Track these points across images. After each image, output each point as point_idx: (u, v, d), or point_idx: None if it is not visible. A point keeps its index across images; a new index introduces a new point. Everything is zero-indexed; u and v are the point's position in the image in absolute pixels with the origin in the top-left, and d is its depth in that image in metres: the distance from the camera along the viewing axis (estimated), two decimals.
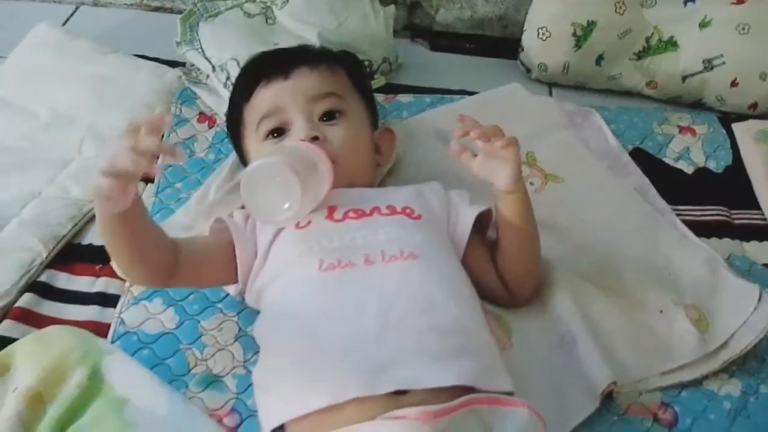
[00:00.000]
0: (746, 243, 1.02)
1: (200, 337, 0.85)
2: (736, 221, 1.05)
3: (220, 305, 0.88)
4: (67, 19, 1.45)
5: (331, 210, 0.80)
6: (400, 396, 0.63)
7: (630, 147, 1.15)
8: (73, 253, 0.96)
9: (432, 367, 0.65)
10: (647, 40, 1.25)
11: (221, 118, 1.13)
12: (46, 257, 0.93)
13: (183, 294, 0.89)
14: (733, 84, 1.22)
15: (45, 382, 0.70)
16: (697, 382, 0.82)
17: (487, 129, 0.77)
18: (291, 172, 0.74)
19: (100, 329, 0.85)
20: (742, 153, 1.15)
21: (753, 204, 1.08)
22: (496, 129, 0.77)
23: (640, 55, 1.26)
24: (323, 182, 0.80)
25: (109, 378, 0.72)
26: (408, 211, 0.82)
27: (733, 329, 0.85)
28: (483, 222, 0.87)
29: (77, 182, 1.02)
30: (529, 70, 1.33)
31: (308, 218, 0.80)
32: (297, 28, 1.21)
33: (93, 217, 0.98)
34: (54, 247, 0.94)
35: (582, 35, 1.24)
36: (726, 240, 1.01)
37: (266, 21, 1.23)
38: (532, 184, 1.03)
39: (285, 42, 1.13)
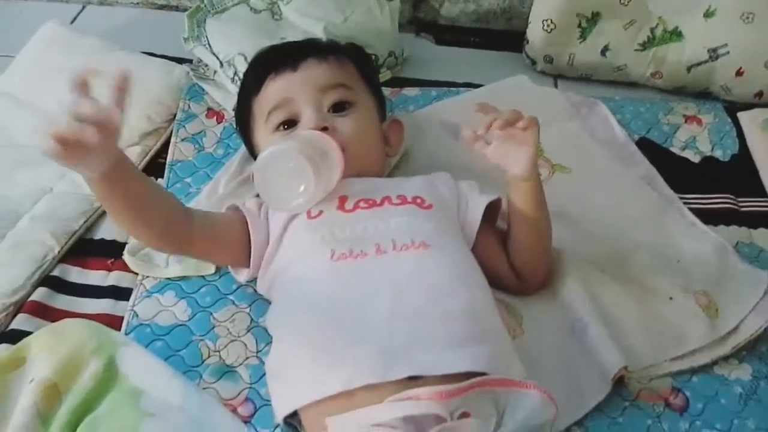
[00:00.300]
0: (754, 230, 1.02)
1: (213, 328, 0.86)
2: (743, 209, 1.05)
3: (231, 297, 0.89)
4: (74, 18, 1.46)
5: (342, 200, 0.81)
6: (412, 382, 0.64)
7: (636, 137, 1.15)
8: (86, 248, 0.97)
9: (445, 353, 0.66)
10: (652, 30, 1.25)
11: (229, 114, 1.14)
12: (59, 252, 0.94)
13: (195, 287, 0.90)
14: (739, 73, 1.22)
15: (61, 374, 0.70)
16: (707, 368, 0.83)
17: (509, 116, 0.76)
18: (304, 159, 0.75)
19: (113, 322, 0.86)
20: (749, 141, 1.15)
21: (760, 192, 1.08)
22: (516, 113, 0.77)
23: (645, 46, 1.26)
24: (335, 170, 0.80)
25: (123, 369, 0.72)
26: (419, 200, 0.82)
27: (743, 315, 0.85)
28: (492, 211, 0.87)
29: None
30: (534, 63, 1.33)
31: (319, 208, 0.80)
32: (303, 23, 1.22)
33: (104, 212, 0.99)
34: (66, 242, 0.95)
35: (587, 27, 1.25)
36: (733, 227, 1.02)
37: (272, 16, 1.24)
38: (539, 174, 1.04)
39: (291, 37, 1.14)
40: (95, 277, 0.93)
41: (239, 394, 0.80)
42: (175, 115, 1.14)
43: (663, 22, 1.25)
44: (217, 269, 0.91)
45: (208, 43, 1.19)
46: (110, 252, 0.95)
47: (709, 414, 0.79)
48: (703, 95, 1.28)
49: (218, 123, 1.14)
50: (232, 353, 0.83)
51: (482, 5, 1.44)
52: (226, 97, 1.15)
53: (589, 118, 1.18)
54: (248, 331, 0.85)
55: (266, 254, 0.81)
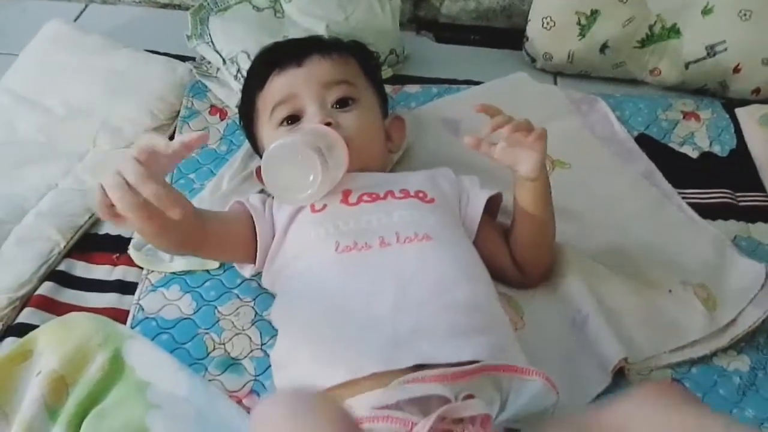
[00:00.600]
0: (752, 224, 1.03)
1: (218, 322, 0.87)
2: (741, 203, 1.06)
3: (236, 291, 0.90)
4: (78, 17, 1.46)
5: (346, 193, 0.82)
6: (417, 371, 0.65)
7: (635, 133, 1.16)
8: (91, 243, 0.98)
9: (449, 343, 0.67)
10: (650, 28, 1.26)
11: (232, 111, 1.15)
12: (64, 247, 0.95)
13: (200, 281, 0.91)
14: (736, 70, 1.23)
15: (68, 366, 0.71)
16: (706, 359, 0.84)
17: (519, 123, 0.77)
18: (312, 151, 0.76)
19: (119, 315, 0.87)
20: (746, 137, 1.16)
21: (758, 186, 1.09)
22: (527, 123, 0.78)
23: (643, 43, 1.27)
24: (340, 163, 0.81)
25: (130, 362, 0.73)
26: (421, 194, 0.83)
27: (741, 307, 0.86)
28: (493, 206, 0.88)
29: (92, 174, 1.03)
30: (534, 60, 1.34)
31: (323, 202, 0.81)
32: (305, 21, 1.23)
33: None
34: (72, 237, 0.96)
35: (586, 24, 1.26)
36: (732, 222, 1.03)
37: (275, 14, 1.24)
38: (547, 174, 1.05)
39: (294, 35, 1.15)
40: (101, 271, 0.94)
41: (244, 386, 0.80)
42: (178, 112, 1.15)
43: (661, 20, 1.26)
44: (222, 264, 0.92)
45: (211, 41, 1.20)
46: (115, 247, 0.96)
47: (708, 404, 0.79)
48: (702, 92, 1.29)
49: (221, 120, 1.15)
50: (237, 346, 0.84)
51: (482, 3, 1.45)
52: (229, 95, 1.16)
53: (588, 114, 1.19)
54: (253, 325, 0.86)
55: (271, 249, 0.82)
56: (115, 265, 0.95)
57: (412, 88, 1.23)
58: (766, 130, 1.16)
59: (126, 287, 0.92)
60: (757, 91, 1.26)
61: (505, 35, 1.42)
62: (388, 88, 1.14)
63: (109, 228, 0.99)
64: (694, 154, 1.14)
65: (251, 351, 0.84)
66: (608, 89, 1.28)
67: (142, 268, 0.93)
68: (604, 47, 1.27)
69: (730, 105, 1.23)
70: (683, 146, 1.15)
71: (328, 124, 0.85)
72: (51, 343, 0.73)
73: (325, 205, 0.81)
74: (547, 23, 1.27)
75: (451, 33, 1.45)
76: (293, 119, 0.89)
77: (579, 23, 1.26)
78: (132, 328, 0.85)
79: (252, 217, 0.83)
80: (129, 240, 0.95)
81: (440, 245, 0.77)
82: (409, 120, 1.04)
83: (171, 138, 1.08)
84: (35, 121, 1.12)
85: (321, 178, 0.77)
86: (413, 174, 0.91)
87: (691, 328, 0.84)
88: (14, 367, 0.72)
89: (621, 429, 0.51)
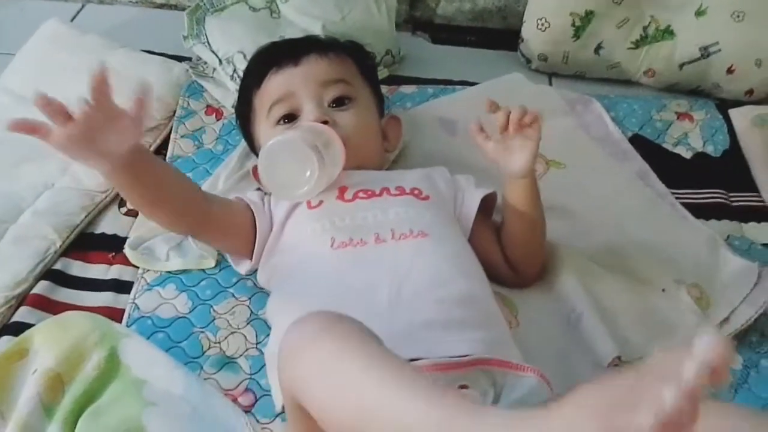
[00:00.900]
0: (745, 224, 1.04)
1: (213, 320, 0.87)
2: (734, 203, 1.07)
3: (231, 290, 0.90)
4: (74, 16, 1.47)
5: (342, 190, 0.83)
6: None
7: (629, 134, 1.17)
8: (87, 242, 0.98)
9: (444, 337, 0.67)
10: (645, 29, 1.27)
11: (228, 111, 1.15)
12: (61, 246, 0.95)
13: (195, 280, 0.91)
14: (730, 71, 1.24)
15: (64, 365, 0.72)
16: None
17: (517, 114, 0.79)
18: (309, 148, 0.77)
19: (114, 314, 0.87)
20: (740, 137, 1.17)
21: (750, 187, 1.10)
22: (522, 109, 0.79)
23: (638, 44, 1.28)
24: (337, 161, 0.82)
25: (126, 360, 0.74)
26: (416, 191, 0.84)
27: (734, 306, 0.87)
28: (488, 205, 0.89)
29: (89, 173, 1.03)
30: (529, 61, 1.35)
31: (319, 198, 0.82)
32: (301, 21, 1.23)
33: (105, 207, 1.01)
34: (68, 236, 0.96)
35: (581, 25, 1.26)
36: (725, 221, 1.03)
37: (271, 14, 1.25)
38: (535, 170, 1.05)
39: (290, 35, 1.15)
40: (96, 270, 0.94)
41: (239, 384, 0.81)
42: (174, 112, 1.15)
43: (655, 21, 1.27)
44: (217, 263, 0.93)
45: (208, 41, 1.20)
46: (111, 246, 0.96)
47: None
48: (695, 93, 1.30)
49: (217, 120, 1.15)
50: (233, 345, 0.84)
51: (478, 4, 1.45)
52: (225, 95, 1.17)
53: (583, 115, 1.20)
54: (248, 323, 0.87)
55: (268, 243, 0.82)
56: (111, 264, 0.95)
57: (407, 89, 1.24)
58: (759, 130, 1.17)
59: (122, 286, 0.92)
60: (750, 92, 1.26)
61: (501, 36, 1.43)
62: (383, 89, 1.15)
63: (105, 227, 0.99)
64: (688, 155, 1.14)
65: (246, 350, 0.84)
66: (603, 90, 1.29)
67: (137, 267, 0.93)
68: (598, 48, 1.28)
69: (724, 106, 1.24)
70: (677, 147, 1.16)
71: (325, 122, 0.86)
72: (47, 341, 0.74)
73: (321, 202, 0.82)
74: (542, 24, 1.28)
75: (446, 34, 1.46)
76: (290, 118, 0.90)
77: (574, 24, 1.26)
78: (128, 326, 0.85)
79: (252, 210, 0.84)
80: (125, 239, 0.96)
81: (435, 242, 0.77)
82: (405, 120, 1.04)
83: (167, 139, 1.11)
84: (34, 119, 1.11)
85: (317, 174, 0.78)
86: (409, 172, 0.91)
87: (684, 327, 0.85)
88: (10, 366, 0.73)
89: None
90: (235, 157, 1.06)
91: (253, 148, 0.98)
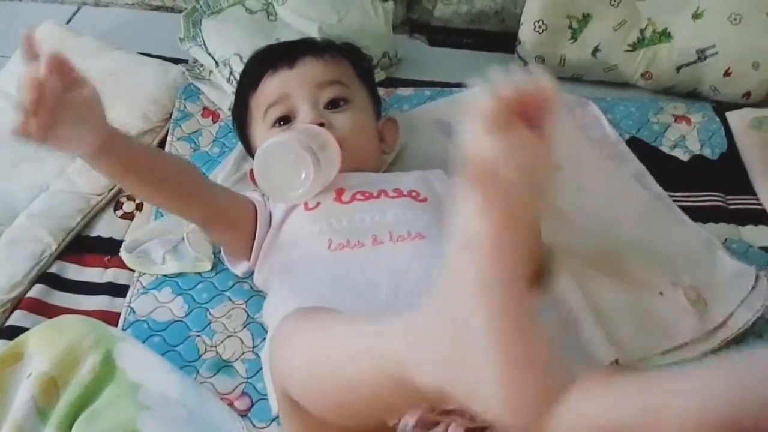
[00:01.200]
0: (742, 227, 1.04)
1: (209, 324, 0.87)
2: (732, 206, 1.07)
3: (228, 293, 0.90)
4: (70, 19, 1.46)
5: (339, 192, 0.83)
6: None
7: (627, 136, 1.17)
8: (83, 245, 0.97)
9: None
10: (641, 31, 1.27)
11: (225, 113, 1.15)
12: (56, 249, 0.94)
13: (191, 283, 0.91)
14: (727, 73, 1.24)
15: (58, 368, 0.71)
16: (697, 361, 0.84)
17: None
18: (304, 149, 0.77)
19: (110, 318, 0.87)
20: (737, 140, 1.17)
21: (748, 190, 1.10)
22: None
23: (634, 47, 1.28)
24: (333, 163, 0.82)
25: (121, 364, 0.73)
26: (414, 194, 0.84)
27: (731, 309, 0.87)
28: None
29: (85, 176, 1.03)
30: (526, 63, 1.35)
31: (317, 200, 0.82)
32: (298, 23, 1.23)
33: (101, 210, 1.01)
34: (63, 239, 0.96)
35: (578, 28, 1.26)
36: (722, 224, 1.03)
37: (267, 17, 1.24)
38: None
39: (286, 37, 1.15)
40: (92, 273, 0.94)
41: (236, 388, 0.80)
42: (171, 115, 1.15)
43: (652, 23, 1.27)
44: (214, 266, 0.92)
45: (204, 44, 1.20)
46: (107, 249, 0.96)
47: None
48: (692, 95, 1.30)
49: (214, 122, 1.15)
50: (229, 348, 0.84)
51: (475, 6, 1.45)
52: (222, 97, 1.16)
53: (580, 117, 1.19)
54: (244, 327, 0.86)
55: (265, 242, 0.83)
56: (106, 267, 0.94)
57: (404, 91, 1.24)
58: (756, 133, 1.17)
59: (117, 290, 0.91)
60: (747, 94, 1.26)
61: (498, 39, 1.43)
62: (381, 91, 1.14)
63: (101, 230, 0.99)
64: (685, 158, 1.14)
65: (243, 353, 0.84)
66: (600, 92, 1.29)
67: (133, 271, 0.93)
68: (595, 51, 1.28)
69: (721, 108, 1.23)
70: (674, 149, 1.16)
71: (321, 124, 0.86)
72: (42, 345, 0.73)
73: (318, 203, 0.82)
74: (539, 27, 1.28)
75: (443, 36, 1.45)
76: (286, 120, 0.90)
77: (571, 27, 1.26)
78: (123, 330, 0.85)
79: (255, 207, 0.84)
80: (121, 242, 0.95)
81: (433, 244, 0.77)
82: (402, 122, 1.04)
83: (163, 141, 1.10)
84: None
85: (313, 176, 0.78)
86: (406, 174, 0.91)
87: (682, 330, 0.85)
88: (5, 370, 0.72)
89: None
90: (231, 159, 1.06)
91: (250, 151, 0.98)
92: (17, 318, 0.87)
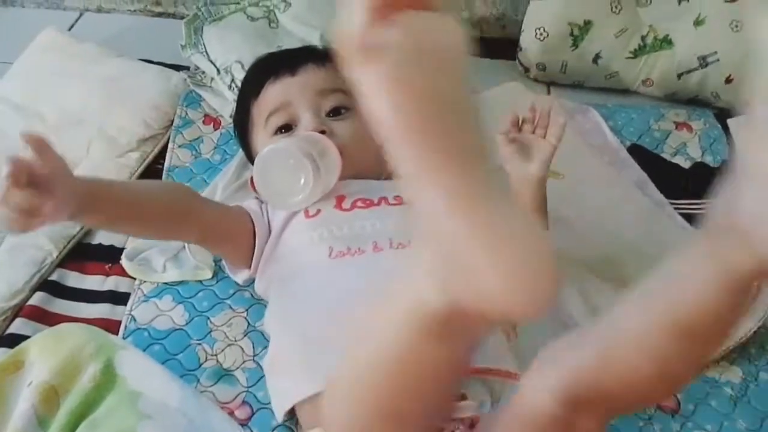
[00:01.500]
0: None
1: (210, 332, 0.87)
2: None
3: (229, 302, 0.90)
4: (72, 25, 1.47)
5: (340, 199, 0.83)
6: None
7: (628, 143, 1.17)
8: (84, 253, 0.98)
9: None
10: (643, 38, 1.27)
11: (226, 120, 1.15)
12: (57, 256, 0.95)
13: (192, 291, 0.91)
14: (728, 80, 1.24)
15: (59, 377, 0.71)
16: None
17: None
18: (303, 156, 0.77)
19: (111, 326, 0.87)
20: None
21: None
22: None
23: (636, 53, 1.28)
24: (333, 170, 0.82)
25: (121, 372, 0.73)
26: None
27: None
28: None
29: None
30: (527, 70, 1.35)
31: (317, 207, 0.82)
32: (299, 30, 1.23)
33: None
34: (64, 247, 0.96)
35: (579, 35, 1.26)
36: None
37: (269, 24, 1.25)
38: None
39: (288, 45, 1.15)
40: (93, 281, 0.94)
41: (236, 397, 0.80)
42: (172, 122, 1.15)
43: (654, 30, 1.27)
44: (215, 274, 0.92)
45: (206, 51, 1.20)
46: (108, 257, 0.96)
47: (700, 415, 0.80)
48: (694, 102, 1.30)
49: (215, 129, 1.15)
50: (229, 357, 0.84)
51: (476, 13, 1.45)
52: (223, 104, 1.17)
53: (581, 124, 1.19)
54: (245, 335, 0.86)
55: (265, 251, 0.82)
56: (107, 275, 0.95)
57: None
58: None
59: (118, 297, 0.92)
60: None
61: (499, 45, 1.43)
62: None
63: (102, 238, 0.99)
64: (687, 165, 1.14)
65: (243, 362, 0.84)
66: (601, 99, 1.29)
67: (134, 279, 0.93)
68: (596, 58, 1.28)
69: (722, 115, 1.23)
70: (675, 156, 1.16)
71: (323, 132, 0.86)
72: (42, 353, 0.73)
73: (318, 210, 0.82)
74: (541, 34, 1.28)
75: None
76: (287, 128, 0.89)
77: (572, 34, 1.26)
78: (124, 338, 0.85)
79: (251, 218, 0.84)
80: (122, 250, 0.95)
81: None
82: None
83: (164, 149, 1.11)
84: (29, 129, 1.11)
85: (312, 182, 0.78)
86: None
87: None
88: (5, 378, 0.73)
89: None
90: (232, 166, 1.06)
91: (251, 158, 0.97)
92: (18, 326, 0.87)
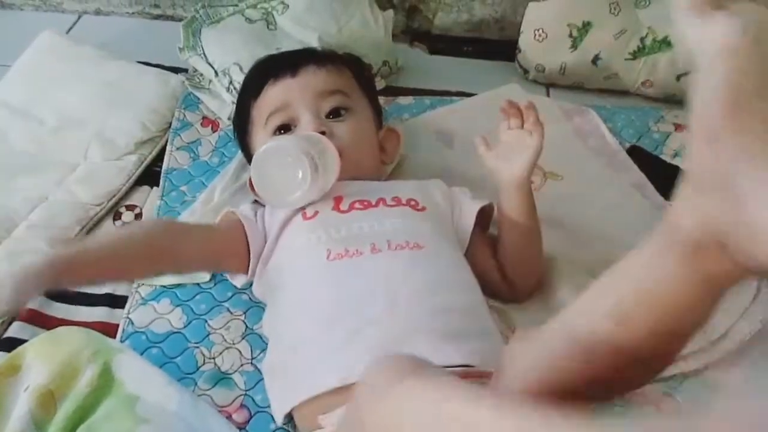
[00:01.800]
0: None
1: (208, 335, 0.86)
2: None
3: (226, 304, 0.89)
4: (70, 28, 1.46)
5: (338, 201, 0.83)
6: None
7: (627, 145, 1.16)
8: None
9: (440, 346, 0.67)
10: (642, 40, 1.27)
11: (224, 123, 1.15)
12: None
13: (190, 294, 0.90)
14: None
15: (56, 381, 0.71)
16: (698, 372, 0.83)
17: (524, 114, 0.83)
18: (301, 153, 0.77)
19: (108, 329, 0.86)
20: None
21: None
22: (530, 109, 0.83)
23: (635, 55, 1.28)
24: (331, 169, 0.82)
25: (119, 376, 0.73)
26: (413, 203, 0.84)
27: (732, 321, 0.86)
28: (485, 217, 0.89)
29: (84, 186, 1.03)
30: (526, 72, 1.35)
31: (315, 209, 0.82)
32: (298, 32, 1.23)
33: (100, 220, 1.01)
34: None
35: (578, 36, 1.26)
36: None
37: (267, 26, 1.24)
38: (532, 182, 1.05)
39: (286, 47, 1.15)
40: None
41: (234, 400, 0.80)
42: (170, 124, 1.15)
43: (653, 32, 1.27)
44: (212, 277, 0.92)
45: (204, 53, 1.20)
46: None
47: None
48: None
49: (213, 132, 1.15)
50: (227, 360, 0.84)
51: (475, 15, 1.45)
52: (222, 106, 1.16)
53: (580, 126, 1.19)
54: (243, 339, 0.86)
55: (262, 255, 0.82)
56: None
57: (405, 100, 1.23)
58: None
59: (116, 301, 0.91)
60: None
61: (498, 47, 1.43)
62: (381, 100, 1.15)
63: None
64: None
65: (241, 365, 0.83)
66: (600, 101, 1.28)
67: (132, 282, 0.92)
68: (596, 59, 1.28)
69: None
70: (675, 158, 1.15)
71: (323, 133, 0.86)
72: (40, 357, 0.73)
73: (316, 212, 0.81)
74: (539, 35, 1.28)
75: (444, 44, 1.45)
76: (287, 129, 0.90)
77: (571, 35, 1.26)
78: (121, 341, 0.85)
79: (243, 225, 0.83)
80: None
81: (431, 253, 0.77)
82: (402, 132, 1.04)
83: (162, 151, 1.10)
84: (27, 133, 1.11)
85: (310, 178, 0.78)
86: (405, 183, 0.91)
87: None
88: (2, 382, 0.72)
89: None
90: (231, 169, 1.06)
91: (250, 160, 0.97)
92: (16, 329, 0.87)
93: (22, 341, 0.80)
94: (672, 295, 0.45)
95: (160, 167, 1.09)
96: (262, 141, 0.91)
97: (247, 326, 0.87)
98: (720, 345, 0.84)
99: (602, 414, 0.40)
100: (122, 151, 1.09)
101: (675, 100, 1.29)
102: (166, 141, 1.12)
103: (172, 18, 1.49)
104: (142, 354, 0.82)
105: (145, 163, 1.10)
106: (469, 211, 0.86)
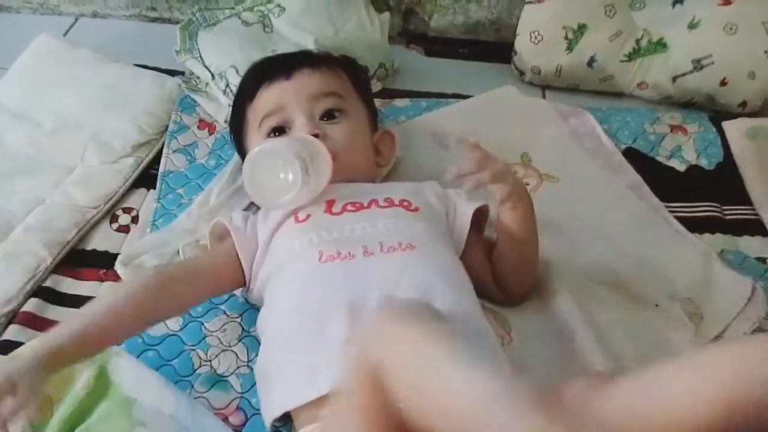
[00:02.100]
0: (738, 238, 1.03)
1: (204, 338, 0.86)
2: (728, 217, 1.06)
3: (223, 307, 0.89)
4: (67, 31, 1.46)
5: (330, 203, 0.83)
6: None
7: (623, 146, 1.17)
8: (78, 258, 0.97)
9: None
10: (637, 41, 1.27)
11: (221, 125, 1.15)
12: (51, 262, 0.94)
13: None
14: (723, 83, 1.24)
15: (53, 384, 0.71)
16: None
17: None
18: (293, 155, 0.77)
19: None
20: (733, 150, 1.17)
21: (744, 200, 1.09)
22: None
23: (630, 57, 1.28)
24: (323, 172, 0.82)
25: (116, 379, 0.73)
26: (405, 203, 0.84)
27: (727, 321, 0.87)
28: (480, 218, 0.89)
29: (81, 189, 1.03)
30: (522, 74, 1.35)
31: (307, 212, 0.82)
32: (294, 35, 1.23)
33: (97, 223, 1.01)
34: (59, 253, 0.95)
35: (573, 38, 1.27)
36: (718, 235, 1.03)
37: (264, 29, 1.25)
38: (528, 184, 1.05)
39: (282, 49, 1.15)
40: (87, 287, 0.94)
41: (230, 403, 0.80)
42: (167, 127, 1.15)
43: (648, 34, 1.27)
44: None
45: (200, 56, 1.20)
46: (102, 262, 0.96)
47: None
48: (689, 105, 1.30)
49: (210, 134, 1.15)
50: (224, 363, 0.84)
51: (471, 17, 1.45)
52: (218, 109, 1.17)
53: (576, 127, 1.19)
54: (239, 341, 0.86)
55: (254, 262, 0.82)
56: (102, 280, 0.94)
57: (401, 102, 1.24)
58: (752, 143, 1.16)
59: None
60: (743, 104, 1.26)
61: (494, 49, 1.43)
62: (377, 102, 1.15)
63: (96, 243, 0.99)
64: (681, 168, 1.14)
65: (238, 367, 0.83)
66: (596, 102, 1.29)
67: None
68: (591, 61, 1.28)
69: (717, 118, 1.23)
70: (670, 159, 1.16)
71: (316, 135, 0.86)
72: None
73: (308, 215, 0.82)
74: (535, 37, 1.28)
75: (440, 46, 1.46)
76: (281, 131, 0.90)
77: (566, 37, 1.26)
78: (118, 344, 0.85)
79: (233, 235, 0.83)
80: (116, 256, 0.95)
81: (424, 254, 0.77)
82: (398, 134, 1.04)
83: (159, 154, 1.10)
84: (24, 135, 1.11)
85: (301, 180, 0.78)
86: (399, 184, 0.92)
87: (678, 343, 0.85)
88: None
89: None
90: (227, 172, 1.06)
91: None
92: (12, 332, 0.87)
93: (18, 344, 0.80)
94: None
95: (157, 170, 1.09)
96: (257, 143, 0.91)
97: (243, 329, 0.87)
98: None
99: None
100: (119, 153, 1.09)
101: (671, 101, 1.30)
102: (163, 144, 1.12)
103: (168, 21, 1.50)
104: (138, 357, 0.82)
105: (142, 165, 1.10)
106: (464, 212, 0.86)
